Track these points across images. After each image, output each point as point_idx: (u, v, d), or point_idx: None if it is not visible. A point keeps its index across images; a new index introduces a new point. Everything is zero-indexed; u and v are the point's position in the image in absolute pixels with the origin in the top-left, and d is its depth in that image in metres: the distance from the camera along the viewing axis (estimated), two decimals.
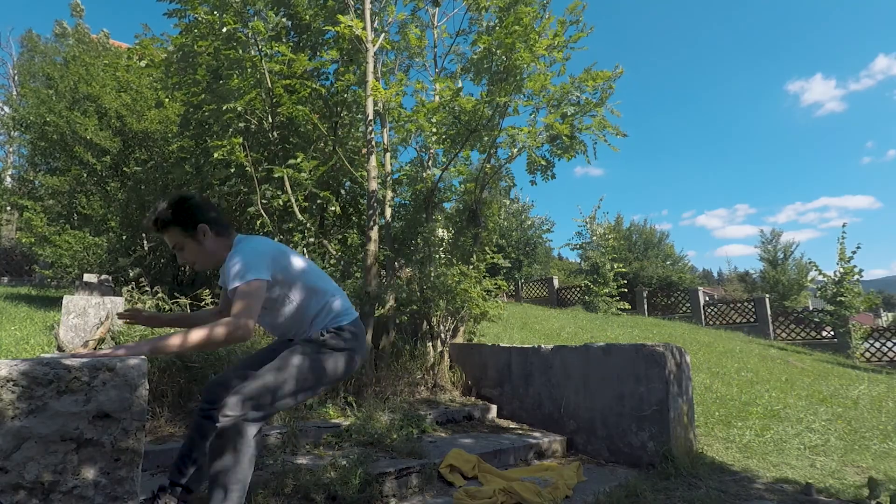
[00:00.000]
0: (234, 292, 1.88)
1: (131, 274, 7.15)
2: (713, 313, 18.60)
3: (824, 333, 16.02)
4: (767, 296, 18.32)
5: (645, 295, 20.24)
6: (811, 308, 18.56)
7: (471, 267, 5.77)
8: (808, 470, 3.71)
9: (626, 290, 18.31)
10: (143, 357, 1.67)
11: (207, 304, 5.10)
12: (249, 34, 5.18)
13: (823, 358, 11.49)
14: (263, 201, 5.54)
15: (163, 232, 2.05)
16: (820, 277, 15.23)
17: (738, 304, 18.30)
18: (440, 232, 6.10)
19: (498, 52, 5.29)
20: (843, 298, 14.15)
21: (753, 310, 17.48)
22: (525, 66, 5.28)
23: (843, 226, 14.38)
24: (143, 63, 5.83)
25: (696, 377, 6.43)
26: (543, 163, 5.94)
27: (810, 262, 16.85)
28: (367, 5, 5.53)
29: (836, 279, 14.42)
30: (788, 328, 16.82)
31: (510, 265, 19.34)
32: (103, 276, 6.73)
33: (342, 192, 7.02)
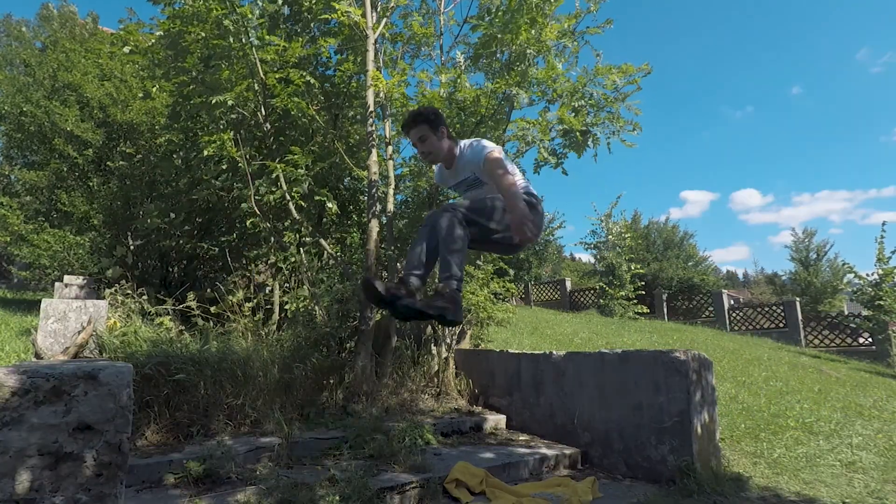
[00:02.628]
0: (494, 162, 2.68)
1: (111, 273, 7.16)
2: (739, 318, 18.52)
3: (861, 340, 15.90)
4: (798, 299, 18.23)
5: (664, 298, 20.17)
6: (847, 313, 18.43)
7: (477, 268, 5.76)
8: (844, 489, 3.68)
9: (643, 292, 18.26)
10: (128, 364, 1.67)
11: (192, 307, 5.12)
12: (239, 21, 5.19)
13: (860, 367, 11.40)
14: (257, 198, 5.55)
15: (416, 124, 2.86)
16: (856, 280, 15.12)
17: (767, 308, 18.21)
18: None
19: (500, 36, 5.27)
20: (882, 302, 14.03)
21: (783, 314, 17.39)
22: (531, 53, 5.26)
23: (883, 224, 14.28)
24: (126, 49, 5.84)
25: (720, 387, 6.39)
26: (554, 159, 5.92)
27: (845, 265, 16.72)
28: None
29: (874, 282, 14.32)
30: (821, 334, 16.72)
31: (513, 273, 19.32)
32: (85, 278, 6.76)
33: (341, 187, 7.03)
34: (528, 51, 5.20)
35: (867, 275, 14.48)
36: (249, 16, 5.04)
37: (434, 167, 6.20)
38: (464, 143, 2.95)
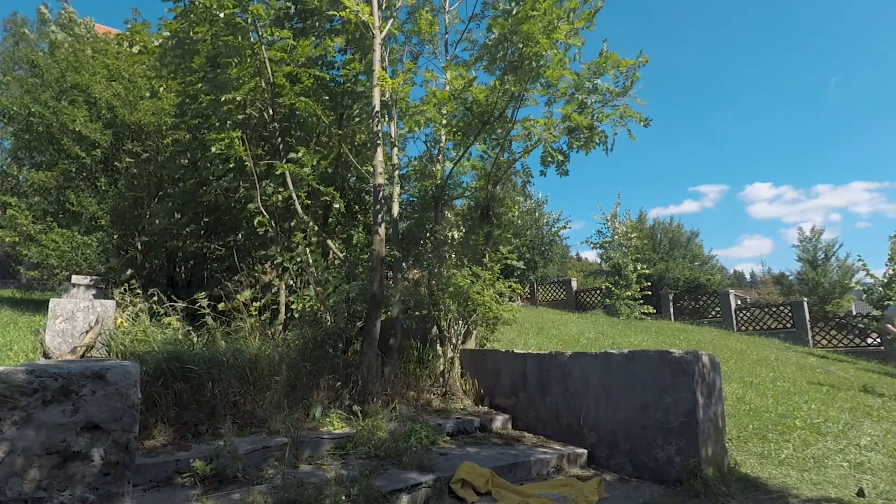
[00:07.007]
0: None
1: (123, 275, 7.20)
2: (746, 318, 18.41)
3: (869, 340, 15.75)
4: (806, 299, 18.09)
5: (671, 298, 20.09)
6: (855, 313, 18.25)
7: (483, 268, 5.75)
8: (852, 489, 3.65)
9: (650, 292, 18.17)
10: (135, 364, 1.68)
11: (203, 308, 5.13)
12: (249, 20, 5.20)
13: (869, 367, 11.31)
14: (264, 198, 5.56)
15: None
16: (867, 279, 14.96)
17: (774, 309, 18.10)
18: (451, 231, 6.09)
19: (513, 37, 5.25)
20: (891, 302, 13.89)
21: (790, 314, 17.28)
22: (543, 52, 5.24)
23: None
24: (135, 49, 5.87)
25: (727, 387, 6.36)
26: (560, 157, 5.91)
27: (859, 261, 16.52)
28: None
29: (885, 281, 14.18)
30: (829, 334, 16.59)
31: (524, 267, 19.26)
32: (93, 278, 6.80)
33: (347, 187, 7.04)
34: (541, 49, 5.18)
35: (883, 275, 14.32)
36: (261, 13, 5.06)
37: (438, 166, 6.24)
38: None
